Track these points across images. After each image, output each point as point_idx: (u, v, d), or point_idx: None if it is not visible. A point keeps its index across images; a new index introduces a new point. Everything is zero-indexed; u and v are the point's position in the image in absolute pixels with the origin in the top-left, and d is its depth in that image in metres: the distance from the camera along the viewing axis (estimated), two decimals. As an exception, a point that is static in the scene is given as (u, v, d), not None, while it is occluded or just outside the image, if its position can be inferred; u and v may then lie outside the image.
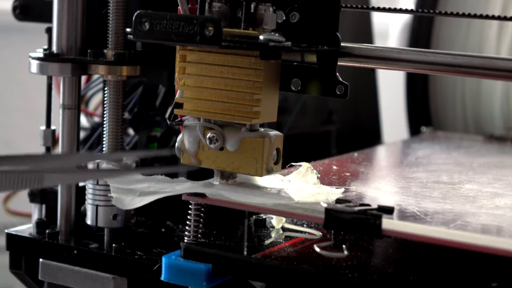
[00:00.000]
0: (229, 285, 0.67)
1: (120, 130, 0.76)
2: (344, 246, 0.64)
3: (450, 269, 0.66)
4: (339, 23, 0.68)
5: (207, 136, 0.68)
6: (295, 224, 0.73)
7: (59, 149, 0.79)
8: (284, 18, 0.68)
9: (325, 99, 1.07)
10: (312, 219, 0.64)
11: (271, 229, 0.73)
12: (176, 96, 0.69)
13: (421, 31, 1.23)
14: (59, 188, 0.79)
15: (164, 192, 0.67)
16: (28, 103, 1.55)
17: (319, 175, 0.72)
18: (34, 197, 0.82)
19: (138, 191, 0.67)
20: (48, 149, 0.80)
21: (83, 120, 0.92)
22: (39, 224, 0.79)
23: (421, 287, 0.61)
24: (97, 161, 0.72)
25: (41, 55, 0.77)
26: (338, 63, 0.68)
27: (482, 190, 0.76)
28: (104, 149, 0.76)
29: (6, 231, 0.79)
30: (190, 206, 0.68)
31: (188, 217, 0.68)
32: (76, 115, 0.79)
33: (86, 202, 0.76)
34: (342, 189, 0.70)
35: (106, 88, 0.76)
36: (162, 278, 0.67)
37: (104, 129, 0.76)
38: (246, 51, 0.65)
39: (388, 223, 0.61)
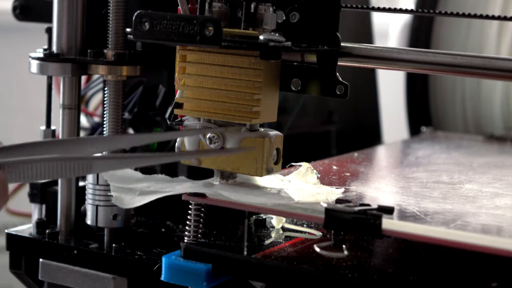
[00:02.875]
0: (229, 285, 0.67)
1: (120, 130, 0.76)
2: (344, 246, 0.64)
3: (450, 269, 0.66)
4: (339, 23, 0.68)
5: (207, 136, 0.68)
6: (295, 224, 0.73)
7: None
8: (284, 18, 0.68)
9: (325, 99, 1.07)
10: (312, 219, 0.64)
11: (271, 229, 0.73)
12: (176, 96, 0.69)
13: (421, 31, 1.23)
14: (59, 188, 0.79)
15: (164, 191, 0.67)
16: (28, 103, 1.55)
17: (319, 175, 0.72)
18: (34, 197, 0.82)
19: (138, 190, 0.67)
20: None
21: (83, 120, 0.92)
22: (39, 224, 0.79)
23: (421, 287, 0.61)
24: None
25: (41, 55, 0.77)
26: (338, 63, 0.68)
27: (482, 190, 0.76)
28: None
29: (6, 231, 0.79)
30: (190, 206, 0.68)
31: (188, 217, 0.68)
32: (76, 115, 0.79)
33: (86, 202, 0.76)
34: (342, 189, 0.70)
35: (106, 88, 0.76)
36: (162, 278, 0.67)
37: (104, 129, 0.76)
38: (246, 51, 0.65)
39: (388, 223, 0.61)
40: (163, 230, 0.82)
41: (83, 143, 0.62)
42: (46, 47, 0.80)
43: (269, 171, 0.67)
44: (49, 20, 0.79)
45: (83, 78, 0.87)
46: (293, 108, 1.00)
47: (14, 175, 0.55)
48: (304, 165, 0.72)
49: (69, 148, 0.61)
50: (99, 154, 0.64)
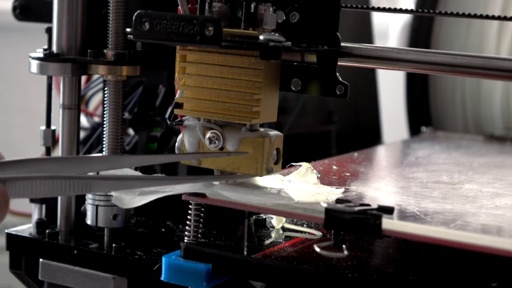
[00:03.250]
0: (229, 285, 0.67)
1: (120, 130, 0.76)
2: (344, 246, 0.64)
3: (450, 269, 0.66)
4: (339, 23, 0.68)
5: (207, 136, 0.68)
6: (295, 224, 0.73)
7: (59, 149, 0.79)
8: (284, 18, 0.68)
9: (325, 99, 1.07)
10: (312, 219, 0.64)
11: (271, 229, 0.73)
12: (176, 96, 0.69)
13: (421, 31, 1.23)
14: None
15: (164, 191, 0.67)
16: (28, 103, 1.56)
17: (319, 175, 0.72)
18: (34, 197, 0.82)
19: (138, 190, 0.67)
20: (48, 149, 0.80)
21: (83, 120, 0.92)
22: (39, 224, 0.79)
23: (421, 287, 0.61)
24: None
25: (41, 55, 0.77)
26: (338, 63, 0.68)
27: (482, 190, 0.76)
28: (104, 149, 0.76)
29: (6, 231, 0.79)
30: (190, 206, 0.68)
31: (188, 217, 0.68)
32: (76, 115, 0.79)
33: (86, 202, 0.76)
34: (342, 189, 0.70)
35: (106, 88, 0.76)
36: (162, 278, 0.67)
37: (104, 129, 0.76)
38: (246, 51, 0.65)
39: (388, 223, 0.61)
40: (163, 230, 0.82)
41: (85, 161, 0.63)
42: (46, 47, 0.80)
43: (269, 171, 0.67)
44: (49, 20, 0.79)
45: (83, 78, 0.87)
46: (293, 108, 1.00)
47: (14, 191, 0.56)
48: (304, 165, 0.72)
49: (70, 165, 0.62)
50: (101, 173, 0.64)
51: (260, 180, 0.70)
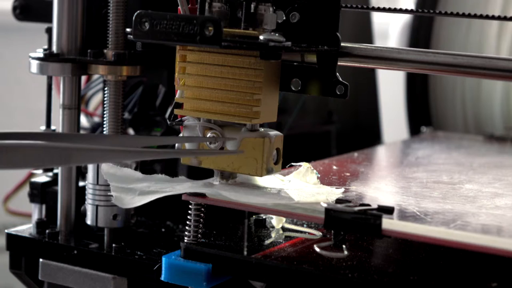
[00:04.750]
0: (229, 285, 0.67)
1: (120, 130, 0.76)
2: (344, 246, 0.64)
3: (450, 269, 0.66)
4: (339, 23, 0.68)
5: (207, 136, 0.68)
6: (295, 224, 0.73)
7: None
8: (284, 18, 0.68)
9: (325, 99, 1.07)
10: (312, 219, 0.64)
11: (271, 229, 0.73)
12: (176, 96, 0.69)
13: (421, 31, 1.23)
14: (59, 188, 0.79)
15: (164, 191, 0.67)
16: (28, 103, 1.55)
17: (319, 175, 0.72)
18: (34, 197, 0.82)
19: (138, 190, 0.67)
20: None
21: (83, 120, 0.92)
22: (39, 224, 0.79)
23: (421, 287, 0.61)
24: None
25: (41, 55, 0.77)
26: (338, 63, 0.68)
27: (482, 190, 0.76)
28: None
29: (6, 231, 0.79)
30: (190, 206, 0.68)
31: (188, 217, 0.68)
32: (76, 115, 0.79)
33: (86, 202, 0.76)
34: (342, 189, 0.70)
35: (106, 88, 0.76)
36: (162, 278, 0.67)
37: (104, 129, 0.76)
38: (246, 51, 0.65)
39: (388, 223, 0.61)
40: (163, 230, 0.82)
41: (75, 138, 0.61)
42: (46, 47, 0.80)
43: (269, 171, 0.67)
44: (49, 20, 0.79)
45: (83, 78, 0.87)
46: (293, 108, 1.00)
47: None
48: (304, 165, 0.72)
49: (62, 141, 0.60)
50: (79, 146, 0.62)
51: (260, 180, 0.70)
